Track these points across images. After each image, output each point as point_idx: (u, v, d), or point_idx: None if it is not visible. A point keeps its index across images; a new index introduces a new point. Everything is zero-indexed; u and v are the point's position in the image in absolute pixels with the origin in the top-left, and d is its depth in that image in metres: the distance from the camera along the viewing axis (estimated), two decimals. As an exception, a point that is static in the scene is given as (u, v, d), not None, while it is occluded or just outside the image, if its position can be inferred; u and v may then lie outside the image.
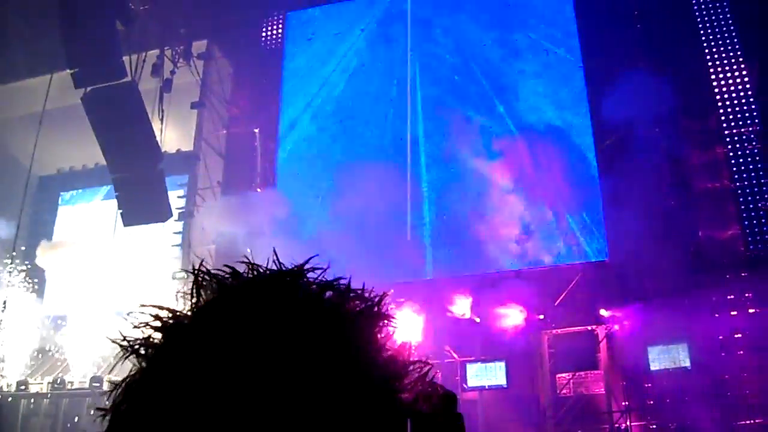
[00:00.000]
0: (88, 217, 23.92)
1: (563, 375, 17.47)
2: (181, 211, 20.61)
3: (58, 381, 20.82)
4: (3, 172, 23.34)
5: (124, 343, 1.08)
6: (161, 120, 20.12)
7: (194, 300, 1.06)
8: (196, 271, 1.08)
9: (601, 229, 17.52)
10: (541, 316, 17.38)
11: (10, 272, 20.89)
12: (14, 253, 20.98)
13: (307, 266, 1.08)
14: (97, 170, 22.64)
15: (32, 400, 20.94)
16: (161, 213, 19.19)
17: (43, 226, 23.76)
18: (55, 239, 24.06)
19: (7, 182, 22.82)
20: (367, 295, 1.07)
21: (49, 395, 20.76)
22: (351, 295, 1.06)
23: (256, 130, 21.01)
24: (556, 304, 17.40)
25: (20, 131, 22.55)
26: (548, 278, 17.47)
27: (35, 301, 22.96)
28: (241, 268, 1.11)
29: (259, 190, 20.01)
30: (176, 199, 20.40)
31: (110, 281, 20.85)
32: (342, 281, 1.07)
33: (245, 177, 19.67)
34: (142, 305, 1.10)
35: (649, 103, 16.32)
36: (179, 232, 21.15)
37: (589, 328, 17.57)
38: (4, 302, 20.04)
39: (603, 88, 17.33)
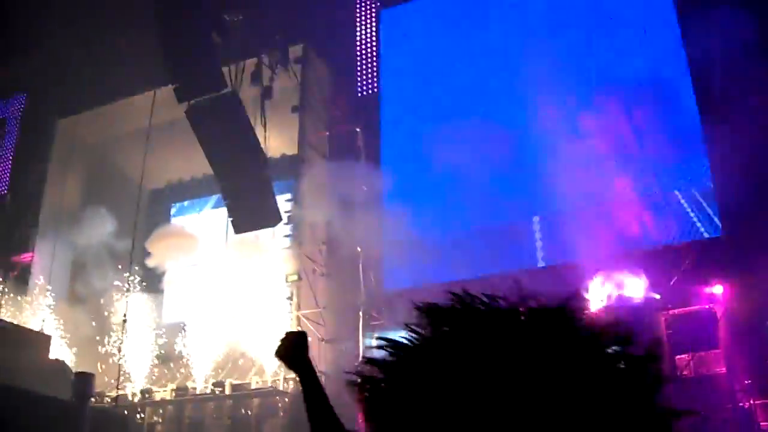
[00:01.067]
0: (199, 227, 24.45)
1: (683, 356, 17.05)
2: (289, 214, 20.87)
3: (181, 387, 21.36)
4: (115, 187, 24.10)
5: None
6: (264, 126, 20.41)
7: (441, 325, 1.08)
8: (458, 297, 1.10)
9: (713, 203, 17.05)
10: (657, 296, 16.99)
11: (128, 285, 21.50)
12: (131, 265, 21.60)
13: (568, 301, 1.09)
14: (205, 180, 23.14)
15: (157, 408, 21.48)
16: (271, 218, 19.45)
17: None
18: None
19: (120, 197, 23.56)
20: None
21: (173, 402, 21.30)
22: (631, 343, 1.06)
23: (358, 129, 21.11)
24: (671, 283, 16.99)
25: (129, 147, 23.23)
26: (662, 258, 17.08)
27: (154, 311, 23.64)
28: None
29: (365, 188, 20.09)
30: (284, 202, 20.67)
31: (225, 287, 21.28)
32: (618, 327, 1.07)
33: (350, 176, 19.74)
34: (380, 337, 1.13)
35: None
36: (289, 235, 21.47)
37: (707, 306, 17.11)
38: (125, 314, 20.66)
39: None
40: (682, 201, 17.31)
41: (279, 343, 2.95)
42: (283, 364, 3.45)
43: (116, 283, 22.69)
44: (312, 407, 2.65)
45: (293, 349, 2.93)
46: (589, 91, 18.54)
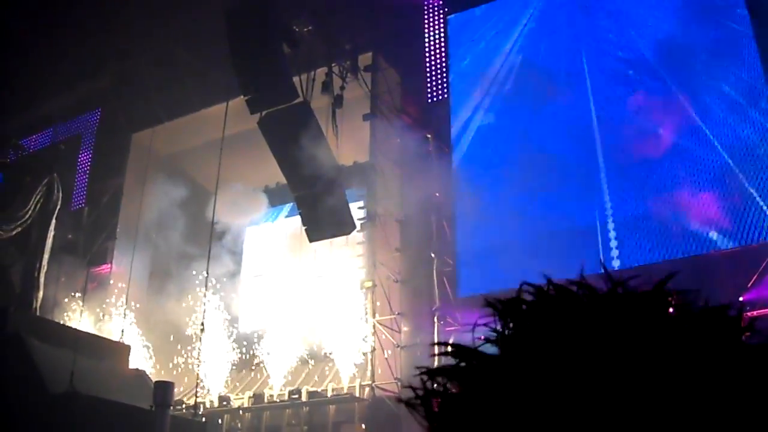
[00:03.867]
0: (273, 236, 24.73)
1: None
2: (362, 221, 21.00)
3: (258, 394, 21.59)
4: (192, 198, 24.51)
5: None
6: (336, 135, 20.57)
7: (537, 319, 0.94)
8: (545, 286, 0.97)
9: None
10: (741, 298, 16.68)
11: (205, 294, 21.82)
12: (207, 276, 21.90)
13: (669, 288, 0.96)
14: (278, 189, 23.38)
15: (235, 415, 21.73)
16: (345, 225, 19.58)
17: (232, 247, 24.67)
18: (244, 259, 25.08)
19: (195, 208, 23.95)
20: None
21: (250, 409, 21.53)
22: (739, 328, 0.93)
23: (429, 136, 21.16)
24: (749, 285, 16.67)
25: (202, 158, 23.62)
26: (740, 259, 16.77)
27: (231, 319, 23.98)
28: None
29: (437, 194, 20.14)
30: (357, 210, 20.78)
31: (300, 294, 21.48)
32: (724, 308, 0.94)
33: (423, 182, 19.79)
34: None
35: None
36: (362, 242, 21.60)
37: (789, 308, 16.75)
38: (202, 323, 20.95)
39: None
40: (759, 200, 16.97)
41: None
42: None
43: (194, 293, 23.03)
44: None
45: None
46: (660, 87, 18.34)
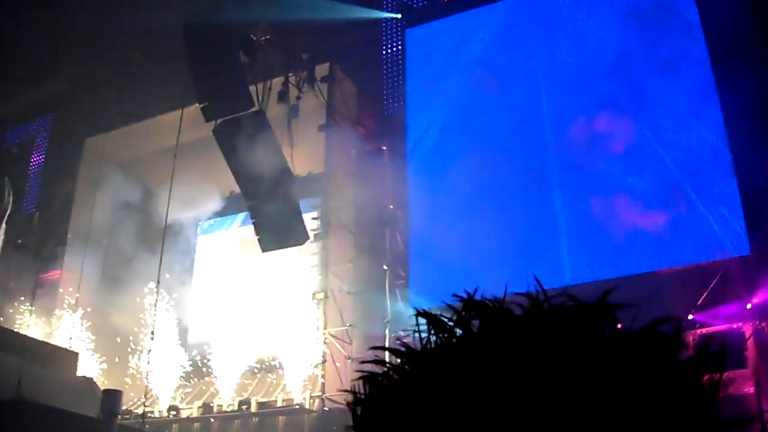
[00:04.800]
0: (226, 244, 24.59)
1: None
2: (316, 232, 20.97)
3: (208, 405, 21.44)
4: (142, 204, 24.32)
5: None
6: (291, 145, 20.56)
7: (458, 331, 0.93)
8: (466, 299, 0.95)
9: (741, 221, 16.93)
10: (691, 316, 16.88)
11: (155, 302, 21.62)
12: (158, 284, 21.72)
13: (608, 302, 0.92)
14: (232, 198, 23.27)
15: (184, 425, 21.56)
16: (298, 236, 19.53)
17: (183, 255, 24.48)
18: (195, 267, 24.91)
19: (148, 214, 23.76)
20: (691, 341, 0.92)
21: (199, 419, 21.38)
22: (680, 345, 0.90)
23: (384, 147, 21.20)
24: (698, 303, 16.89)
25: (156, 165, 23.43)
26: (689, 277, 17.00)
27: (180, 329, 23.79)
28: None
29: (392, 206, 20.19)
30: (310, 220, 20.73)
31: (251, 305, 21.39)
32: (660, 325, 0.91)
33: (377, 194, 19.84)
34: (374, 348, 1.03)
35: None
36: (316, 253, 21.55)
37: (735, 326, 17.01)
38: (152, 332, 20.76)
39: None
40: (710, 219, 17.21)
41: None
42: None
43: (143, 300, 22.82)
44: None
45: None
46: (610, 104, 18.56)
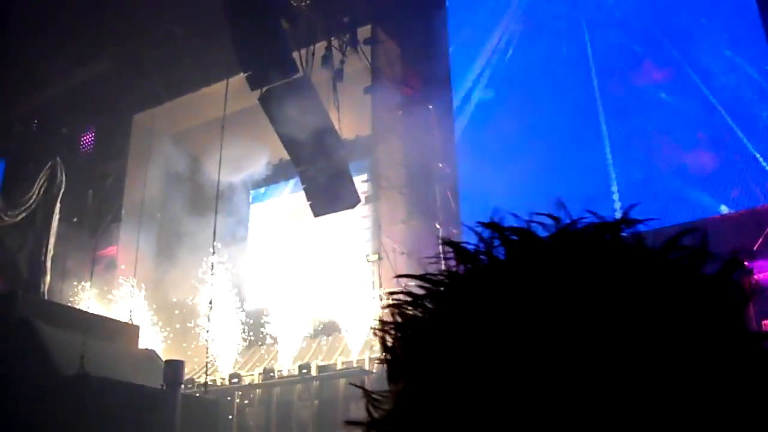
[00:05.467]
0: (278, 211, 24.74)
1: (768, 320, 16.69)
2: (367, 195, 21.00)
3: (268, 370, 21.68)
4: (193, 176, 24.53)
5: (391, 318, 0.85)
6: (337, 109, 20.53)
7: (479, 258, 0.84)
8: (486, 223, 0.87)
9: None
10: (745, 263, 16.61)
11: (212, 273, 21.87)
12: (213, 254, 21.96)
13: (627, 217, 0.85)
14: (281, 165, 23.37)
15: (246, 392, 21.82)
16: (349, 200, 19.57)
17: (237, 224, 24.70)
18: (249, 236, 25.13)
19: (199, 185, 23.98)
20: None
21: (260, 385, 21.63)
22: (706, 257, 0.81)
23: (431, 107, 21.06)
24: (755, 248, 16.60)
25: (205, 137, 23.60)
26: (743, 223, 16.71)
27: (238, 297, 24.05)
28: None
29: (441, 165, 20.11)
30: (361, 183, 20.77)
31: (307, 270, 21.53)
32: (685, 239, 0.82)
33: (426, 153, 19.76)
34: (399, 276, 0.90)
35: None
36: (367, 216, 21.61)
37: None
38: (210, 301, 21.01)
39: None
40: (764, 163, 16.90)
41: None
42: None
43: (200, 271, 23.09)
44: None
45: None
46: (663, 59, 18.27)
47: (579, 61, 19.26)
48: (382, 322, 0.85)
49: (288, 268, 22.40)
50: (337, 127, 19.89)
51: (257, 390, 21.72)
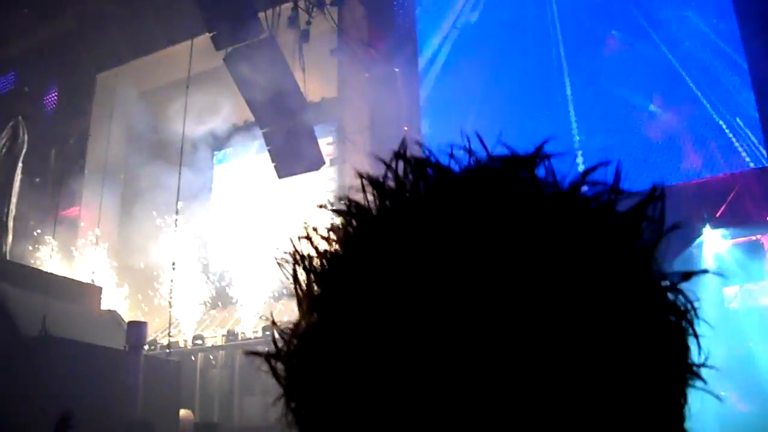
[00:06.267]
0: (243, 173, 24.62)
1: (731, 287, 16.95)
2: (332, 157, 20.95)
3: (232, 332, 21.68)
4: (158, 137, 24.31)
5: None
6: (303, 70, 20.40)
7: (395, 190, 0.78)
8: (397, 153, 0.80)
9: (759, 133, 16.79)
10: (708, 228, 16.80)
11: (175, 231, 21.77)
12: (177, 215, 21.85)
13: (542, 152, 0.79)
14: (246, 127, 23.23)
15: (209, 354, 21.83)
16: (314, 161, 19.51)
17: (201, 186, 24.55)
18: (213, 197, 25.01)
19: (163, 147, 23.78)
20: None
21: (224, 347, 21.64)
22: (619, 194, 0.75)
23: (397, 70, 21.01)
24: (717, 215, 16.80)
25: (169, 97, 23.39)
26: (707, 189, 16.90)
27: (201, 259, 23.97)
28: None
29: (405, 128, 20.10)
30: (326, 146, 20.71)
31: (271, 232, 21.48)
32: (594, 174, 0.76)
33: (391, 117, 19.74)
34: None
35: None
36: (333, 178, 21.58)
37: (754, 238, 16.96)
38: (173, 263, 20.94)
39: None
40: (727, 131, 17.07)
41: None
42: None
43: (163, 232, 22.97)
44: None
45: None
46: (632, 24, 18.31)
47: (545, 24, 19.27)
48: (295, 253, 0.82)
49: (252, 229, 22.33)
50: (302, 88, 19.78)
51: (220, 352, 21.73)
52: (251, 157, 24.29)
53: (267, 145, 20.10)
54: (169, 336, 20.73)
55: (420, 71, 20.60)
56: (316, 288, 0.78)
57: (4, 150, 23.08)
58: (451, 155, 0.80)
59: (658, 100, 17.61)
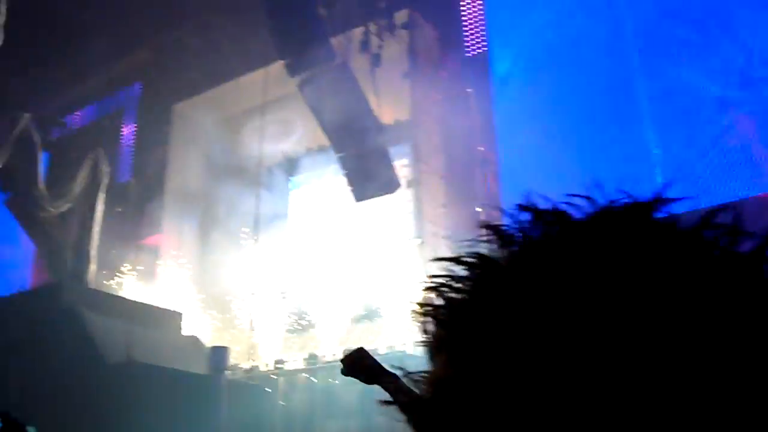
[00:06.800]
0: (319, 197, 24.77)
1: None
2: (408, 179, 21.00)
3: (312, 356, 21.76)
4: (234, 165, 24.67)
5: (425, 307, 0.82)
6: (376, 94, 20.53)
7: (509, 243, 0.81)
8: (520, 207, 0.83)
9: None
10: None
11: (253, 257, 22.01)
12: (255, 240, 22.10)
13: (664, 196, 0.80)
14: (321, 151, 23.43)
15: (290, 377, 21.91)
16: (390, 184, 19.60)
17: (278, 211, 24.76)
18: (290, 221, 25.23)
19: (239, 174, 24.13)
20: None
21: (305, 370, 21.71)
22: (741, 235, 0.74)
23: (470, 90, 20.99)
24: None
25: (244, 124, 23.77)
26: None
27: (279, 282, 24.15)
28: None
29: (481, 148, 20.08)
30: (402, 168, 20.76)
31: (350, 255, 21.60)
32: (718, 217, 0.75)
33: (466, 137, 19.74)
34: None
35: None
36: (409, 201, 21.59)
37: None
38: (253, 288, 21.17)
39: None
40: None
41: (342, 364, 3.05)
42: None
43: (242, 257, 23.24)
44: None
45: (357, 366, 3.05)
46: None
47: (620, 37, 19.05)
48: (422, 304, 0.82)
49: (330, 253, 22.46)
50: (376, 112, 19.91)
51: (301, 375, 21.82)
52: (327, 182, 24.48)
53: (342, 170, 20.26)
54: (251, 360, 20.91)
55: (493, 90, 20.52)
56: (444, 335, 0.79)
57: (85, 182, 23.66)
58: (570, 203, 0.82)
59: (737, 109, 17.26)
